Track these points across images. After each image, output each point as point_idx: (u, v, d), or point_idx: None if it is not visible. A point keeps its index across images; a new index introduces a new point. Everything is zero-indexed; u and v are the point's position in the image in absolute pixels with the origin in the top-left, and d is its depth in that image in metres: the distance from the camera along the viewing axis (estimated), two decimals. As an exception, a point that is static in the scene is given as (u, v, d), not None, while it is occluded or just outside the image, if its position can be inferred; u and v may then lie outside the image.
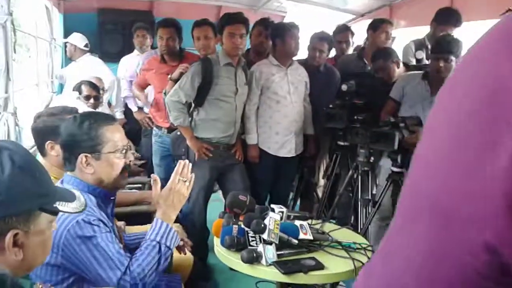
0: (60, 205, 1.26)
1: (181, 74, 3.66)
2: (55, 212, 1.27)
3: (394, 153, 3.25)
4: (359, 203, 3.64)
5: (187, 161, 2.08)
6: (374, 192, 3.63)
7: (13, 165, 1.15)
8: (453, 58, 3.36)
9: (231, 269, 3.55)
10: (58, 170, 2.34)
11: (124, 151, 1.96)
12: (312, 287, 2.88)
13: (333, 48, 4.61)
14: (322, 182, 4.55)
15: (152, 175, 2.10)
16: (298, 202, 4.57)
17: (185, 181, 2.01)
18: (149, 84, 4.61)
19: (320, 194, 4.46)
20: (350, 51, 4.93)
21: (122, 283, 1.79)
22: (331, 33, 4.49)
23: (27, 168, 1.18)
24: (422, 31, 4.64)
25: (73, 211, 1.31)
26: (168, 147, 4.40)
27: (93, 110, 3.70)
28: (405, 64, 4.08)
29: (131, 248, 2.32)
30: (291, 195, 4.57)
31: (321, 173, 4.51)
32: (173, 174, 2.02)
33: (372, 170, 3.74)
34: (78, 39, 5.28)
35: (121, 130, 1.99)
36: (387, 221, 3.53)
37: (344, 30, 4.99)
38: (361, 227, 3.52)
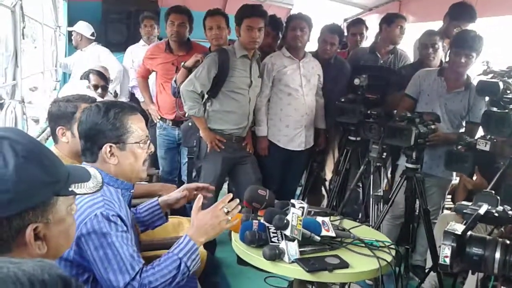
0: (76, 188, 1.16)
1: (196, 62, 3.58)
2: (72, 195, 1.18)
3: (409, 149, 3.18)
4: (371, 199, 3.58)
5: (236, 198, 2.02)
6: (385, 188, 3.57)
7: (17, 156, 1.04)
8: (474, 54, 3.28)
9: (239, 263, 3.56)
10: (69, 160, 2.27)
11: (147, 141, 1.89)
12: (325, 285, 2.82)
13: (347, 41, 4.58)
14: (328, 177, 4.49)
15: (200, 195, 2.02)
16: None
17: (227, 212, 1.91)
18: (151, 72, 4.47)
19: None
20: (364, 44, 4.88)
21: None
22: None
23: (32, 156, 1.08)
24: (431, 26, 4.58)
25: (91, 191, 1.21)
26: (173, 140, 4.32)
27: (116, 100, 3.61)
28: None
29: (143, 221, 2.24)
30: (298, 190, 4.50)
31: (329, 168, 4.45)
32: (219, 201, 1.94)
33: (384, 166, 3.68)
34: (85, 28, 5.19)
35: (143, 120, 1.92)
36: (400, 220, 3.48)
37: (358, 23, 5.01)
38: (373, 224, 3.46)
